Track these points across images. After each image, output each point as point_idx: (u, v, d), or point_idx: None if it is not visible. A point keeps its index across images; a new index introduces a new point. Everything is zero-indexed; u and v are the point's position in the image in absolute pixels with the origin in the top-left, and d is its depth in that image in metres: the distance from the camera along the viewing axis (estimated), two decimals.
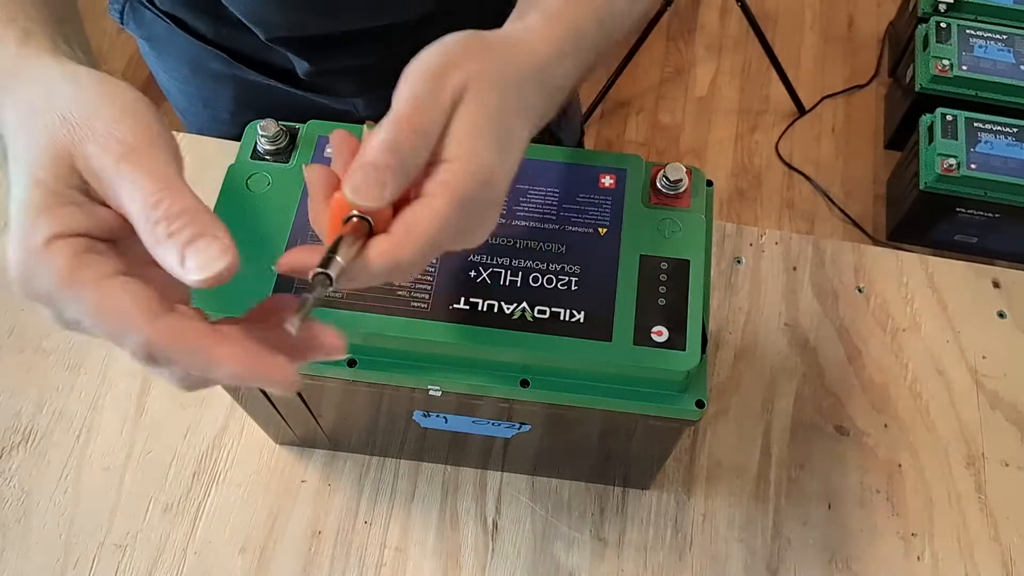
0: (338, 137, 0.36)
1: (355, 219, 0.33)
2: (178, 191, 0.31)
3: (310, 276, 0.30)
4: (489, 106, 0.35)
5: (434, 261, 0.47)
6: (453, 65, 0.35)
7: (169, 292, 0.32)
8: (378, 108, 0.72)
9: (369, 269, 0.33)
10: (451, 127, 0.35)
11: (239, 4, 0.62)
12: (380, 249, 0.33)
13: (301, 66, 0.68)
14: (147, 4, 0.71)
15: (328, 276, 0.30)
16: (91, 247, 0.31)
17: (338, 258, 0.31)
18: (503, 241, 0.48)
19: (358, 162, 0.33)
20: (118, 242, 0.33)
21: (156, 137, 0.33)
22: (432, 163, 0.35)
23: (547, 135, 0.85)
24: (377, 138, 0.33)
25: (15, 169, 0.32)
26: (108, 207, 0.32)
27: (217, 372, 0.31)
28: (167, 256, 0.30)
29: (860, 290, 0.75)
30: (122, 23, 0.74)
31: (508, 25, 0.41)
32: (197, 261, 0.30)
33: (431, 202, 0.34)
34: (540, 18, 0.40)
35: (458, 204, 0.34)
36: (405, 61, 0.36)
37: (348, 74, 0.69)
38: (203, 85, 0.76)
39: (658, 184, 0.50)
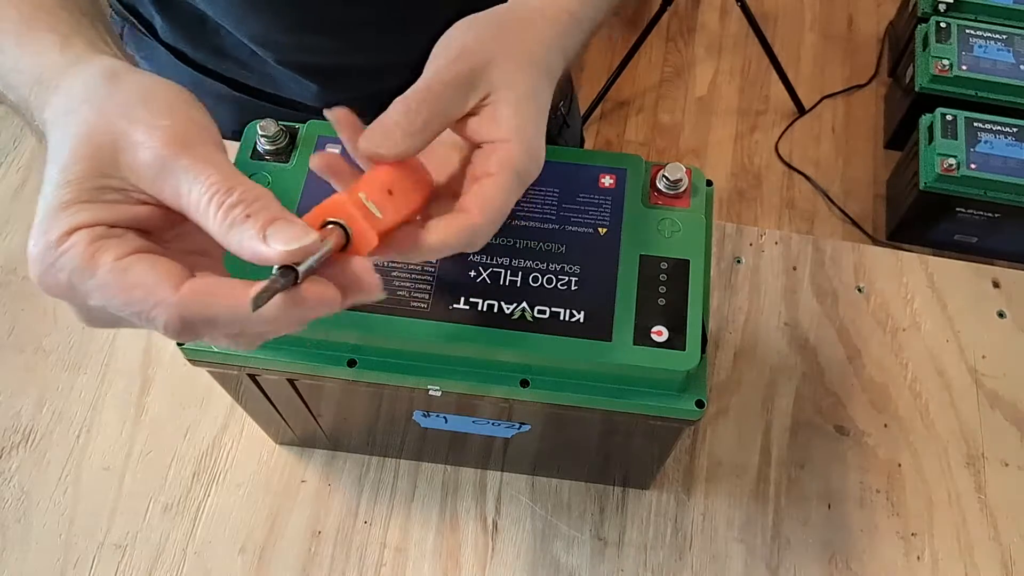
0: (343, 116, 0.38)
1: (332, 225, 0.34)
2: (245, 179, 0.32)
3: (274, 269, 0.31)
4: (522, 86, 0.38)
5: (434, 261, 0.47)
6: (472, 51, 0.38)
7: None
8: None
9: (451, 241, 0.36)
10: (497, 110, 0.37)
11: (245, 28, 0.61)
12: (462, 224, 0.36)
13: (310, 90, 0.67)
14: (146, 33, 0.70)
15: (294, 271, 0.31)
16: (110, 233, 0.31)
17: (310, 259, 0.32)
18: (503, 241, 0.48)
19: (377, 120, 0.35)
20: (150, 233, 0.33)
21: (205, 129, 0.34)
22: (480, 145, 0.38)
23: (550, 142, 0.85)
24: (396, 103, 0.36)
25: (49, 167, 0.33)
26: (140, 203, 0.33)
27: (255, 319, 0.31)
28: (244, 235, 0.31)
29: (860, 290, 0.75)
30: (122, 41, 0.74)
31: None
32: (282, 237, 0.31)
33: (497, 179, 0.36)
34: None
35: (516, 178, 0.37)
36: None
37: (359, 101, 0.69)
38: (204, 104, 0.75)
39: (658, 184, 0.50)
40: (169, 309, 0.30)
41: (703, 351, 0.46)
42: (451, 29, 0.39)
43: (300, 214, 0.48)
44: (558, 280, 0.47)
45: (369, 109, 0.37)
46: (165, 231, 0.34)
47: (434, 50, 0.39)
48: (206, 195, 0.31)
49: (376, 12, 0.60)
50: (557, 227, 0.48)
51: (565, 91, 0.88)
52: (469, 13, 0.41)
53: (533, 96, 0.38)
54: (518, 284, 0.47)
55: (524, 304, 0.46)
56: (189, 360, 0.49)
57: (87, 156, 0.32)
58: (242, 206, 0.31)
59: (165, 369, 0.70)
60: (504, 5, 0.41)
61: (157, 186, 0.32)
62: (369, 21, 0.61)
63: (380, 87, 0.67)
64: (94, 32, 0.39)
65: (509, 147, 0.37)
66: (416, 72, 0.38)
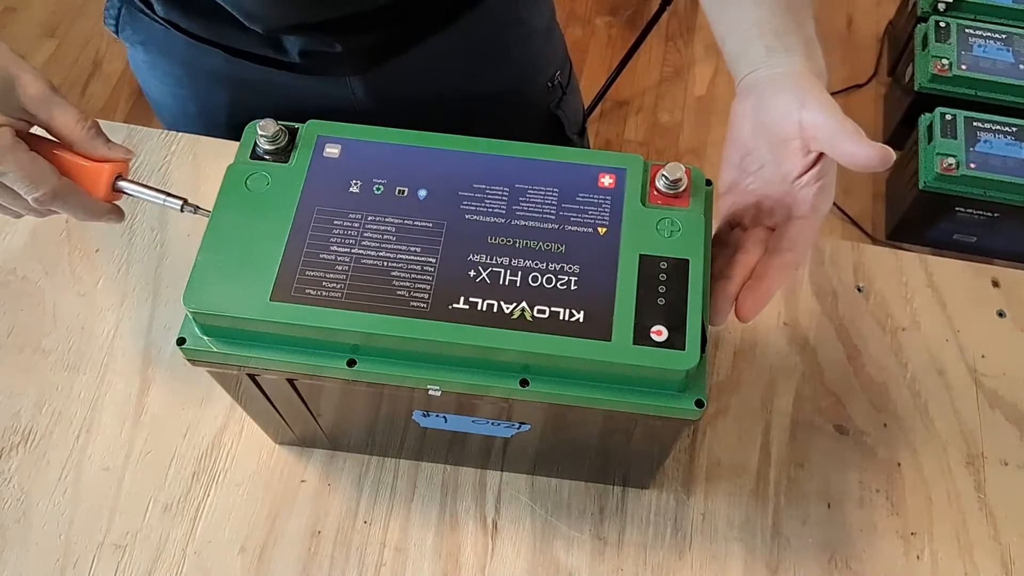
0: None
1: None
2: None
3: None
4: None
5: (433, 260, 0.47)
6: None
7: None
8: (376, 90, 0.72)
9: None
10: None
11: (231, 1, 0.63)
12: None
13: (295, 47, 0.68)
14: (143, 10, 0.71)
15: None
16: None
17: None
18: (503, 241, 0.48)
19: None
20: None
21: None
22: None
23: (550, 117, 0.84)
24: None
25: None
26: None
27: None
28: (99, 143, 0.51)
29: (859, 289, 0.75)
30: (117, 31, 0.75)
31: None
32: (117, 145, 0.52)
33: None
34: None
35: None
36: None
37: (348, 56, 0.69)
38: (198, 87, 0.76)
39: (657, 184, 0.50)
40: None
41: (703, 351, 0.46)
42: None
43: (299, 212, 0.48)
44: (558, 280, 0.47)
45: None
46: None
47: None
48: (71, 119, 0.50)
49: None
50: (557, 227, 0.48)
51: (560, 57, 0.86)
52: None
53: None
54: (518, 284, 0.47)
55: (524, 304, 0.46)
56: (189, 360, 0.49)
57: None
58: (95, 128, 0.51)
59: (165, 369, 0.70)
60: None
61: (38, 110, 0.49)
62: None
63: (369, 43, 0.68)
64: None
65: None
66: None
